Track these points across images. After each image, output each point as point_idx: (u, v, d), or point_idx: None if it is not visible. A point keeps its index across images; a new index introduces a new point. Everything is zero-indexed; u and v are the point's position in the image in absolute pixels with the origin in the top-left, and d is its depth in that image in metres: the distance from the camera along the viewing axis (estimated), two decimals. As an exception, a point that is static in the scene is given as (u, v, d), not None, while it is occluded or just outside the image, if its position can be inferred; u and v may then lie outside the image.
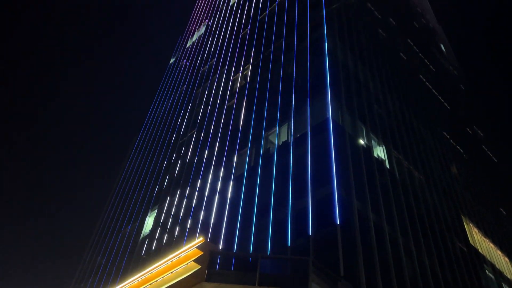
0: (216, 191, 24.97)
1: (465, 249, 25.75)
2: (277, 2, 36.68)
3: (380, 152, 24.04)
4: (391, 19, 44.02)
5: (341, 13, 31.51)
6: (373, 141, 23.88)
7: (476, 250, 27.27)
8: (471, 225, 29.44)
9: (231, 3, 48.58)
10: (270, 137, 24.68)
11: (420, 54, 47.15)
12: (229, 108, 31.31)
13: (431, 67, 48.43)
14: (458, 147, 38.32)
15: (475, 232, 29.56)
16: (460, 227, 27.24)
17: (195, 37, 52.94)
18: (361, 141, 22.84)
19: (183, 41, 56.79)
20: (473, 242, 27.81)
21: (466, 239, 26.90)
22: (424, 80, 42.02)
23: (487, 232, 31.42)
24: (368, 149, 22.77)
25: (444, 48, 65.30)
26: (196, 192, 27.04)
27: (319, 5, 30.18)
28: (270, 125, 25.09)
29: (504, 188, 44.52)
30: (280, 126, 24.30)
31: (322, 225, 17.32)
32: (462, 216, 28.83)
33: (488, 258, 28.47)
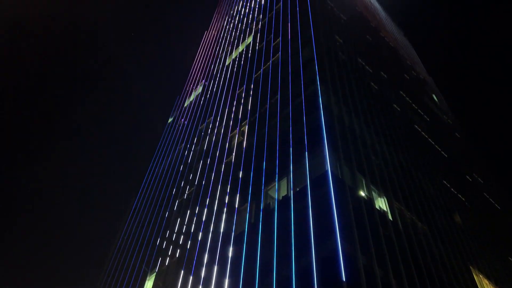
0: (217, 251, 24.34)
1: (477, 302, 24.72)
2: (270, 61, 37.96)
3: (381, 203, 23.76)
4: (382, 73, 45.39)
5: (333, 69, 32.54)
6: (373, 193, 23.68)
7: (489, 303, 26.18)
8: (480, 276, 28.47)
9: (226, 63, 50.26)
10: (270, 192, 24.48)
11: (413, 105, 48.13)
12: (228, 164, 31.35)
13: (425, 117, 49.25)
14: (460, 196, 38.00)
15: (486, 283, 28.53)
16: (470, 279, 26.32)
17: (192, 97, 54.19)
18: (362, 193, 22.64)
19: (181, 101, 58.05)
20: (485, 294, 26.78)
21: (477, 291, 25.91)
22: (420, 130, 42.55)
23: (497, 283, 30.33)
24: (370, 201, 22.52)
25: (437, 98, 66.83)
26: (196, 253, 26.34)
27: (311, 62, 31.23)
28: (269, 180, 25.00)
29: (511, 236, 43.60)
30: (279, 180, 24.20)
31: (328, 282, 16.70)
32: (471, 267, 27.96)
33: (503, 311, 27.27)
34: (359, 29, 52.89)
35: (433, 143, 43.34)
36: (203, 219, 28.55)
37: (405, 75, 57.83)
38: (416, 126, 42.50)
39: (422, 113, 49.06)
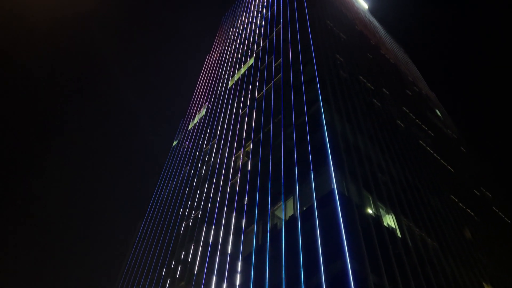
0: (225, 273, 24.03)
1: (493, 319, 24.10)
2: (272, 82, 38.26)
3: (389, 220, 23.49)
4: (384, 89, 45.55)
5: (335, 87, 32.71)
6: (381, 210, 23.44)
7: (504, 320, 25.51)
8: (495, 292, 27.85)
9: (229, 85, 50.71)
10: (277, 212, 24.29)
11: (417, 121, 48.08)
12: (233, 185, 31.25)
13: (430, 132, 49.13)
14: (468, 210, 37.52)
15: (500, 299, 27.88)
16: (483, 296, 25.75)
17: (196, 119, 54.50)
18: (369, 211, 22.42)
19: (185, 124, 58.37)
20: (500, 311, 26.11)
21: (492, 308, 25.30)
22: (424, 145, 42.38)
23: (513, 299, 29.61)
24: (377, 218, 22.27)
25: (440, 113, 66.79)
26: (204, 276, 26.02)
27: (313, 81, 31.44)
28: (275, 200, 24.83)
29: (522, 249, 42.76)
30: (285, 200, 24.03)
31: (338, 303, 16.38)
32: (484, 283, 27.38)
33: (519, 328, 26.52)
34: (359, 47, 53.37)
35: (438, 158, 43.09)
36: (210, 241, 28.30)
37: (407, 91, 57.97)
38: (421, 142, 42.35)
39: (426, 129, 48.95)
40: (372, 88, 41.99)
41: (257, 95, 39.45)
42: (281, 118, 31.60)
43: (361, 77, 41.31)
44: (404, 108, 47.36)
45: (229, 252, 25.25)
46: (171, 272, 30.92)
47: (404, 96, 53.49)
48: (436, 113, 64.13)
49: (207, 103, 54.60)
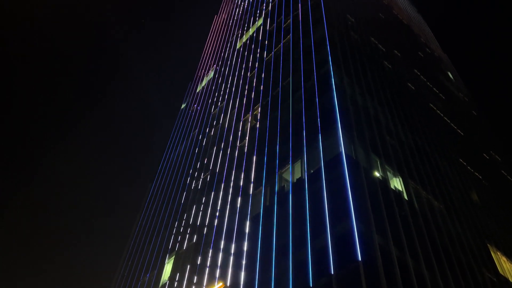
0: (233, 233, 24.66)
1: (495, 279, 24.64)
2: (282, 44, 37.60)
3: (396, 183, 23.66)
4: (395, 51, 44.61)
5: (345, 49, 32.10)
6: (388, 173, 23.57)
7: (506, 280, 26.07)
8: (498, 253, 28.30)
9: (237, 47, 49.96)
10: (284, 175, 24.57)
11: (428, 83, 47.32)
12: (241, 148, 31.48)
13: (441, 95, 48.44)
14: (476, 174, 37.55)
15: (504, 260, 28.37)
16: (487, 257, 26.20)
17: (204, 82, 54.18)
18: (377, 174, 22.56)
19: (193, 87, 58.09)
20: (503, 272, 26.64)
21: (495, 268, 25.79)
22: (435, 108, 41.92)
23: (516, 260, 30.11)
24: (384, 181, 22.43)
25: (452, 75, 65.53)
26: (213, 236, 26.73)
27: (323, 43, 30.86)
28: (283, 163, 25.05)
29: (529, 212, 43.00)
30: (293, 163, 24.24)
31: (344, 262, 16.83)
32: (488, 245, 27.80)
33: (521, 288, 27.12)
34: (371, 7, 51.88)
35: (448, 121, 42.72)
36: (219, 203, 28.87)
37: (419, 53, 56.74)
38: (431, 105, 41.88)
39: (437, 91, 48.24)
40: (384, 49, 41.15)
41: (266, 57, 38.91)
42: (290, 80, 31.30)
43: (372, 39, 40.40)
44: (416, 71, 46.53)
45: (237, 213, 25.79)
46: (181, 233, 31.78)
47: (416, 58, 52.42)
48: (448, 75, 62.94)
49: (215, 65, 54.06)
